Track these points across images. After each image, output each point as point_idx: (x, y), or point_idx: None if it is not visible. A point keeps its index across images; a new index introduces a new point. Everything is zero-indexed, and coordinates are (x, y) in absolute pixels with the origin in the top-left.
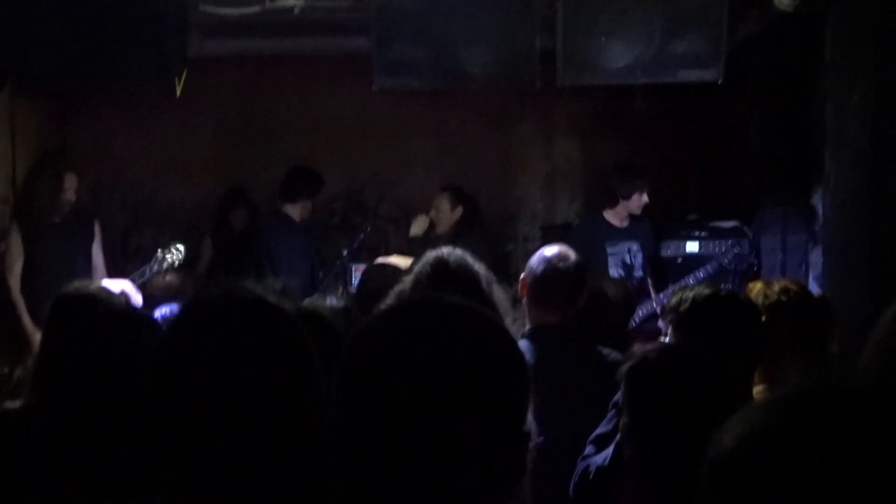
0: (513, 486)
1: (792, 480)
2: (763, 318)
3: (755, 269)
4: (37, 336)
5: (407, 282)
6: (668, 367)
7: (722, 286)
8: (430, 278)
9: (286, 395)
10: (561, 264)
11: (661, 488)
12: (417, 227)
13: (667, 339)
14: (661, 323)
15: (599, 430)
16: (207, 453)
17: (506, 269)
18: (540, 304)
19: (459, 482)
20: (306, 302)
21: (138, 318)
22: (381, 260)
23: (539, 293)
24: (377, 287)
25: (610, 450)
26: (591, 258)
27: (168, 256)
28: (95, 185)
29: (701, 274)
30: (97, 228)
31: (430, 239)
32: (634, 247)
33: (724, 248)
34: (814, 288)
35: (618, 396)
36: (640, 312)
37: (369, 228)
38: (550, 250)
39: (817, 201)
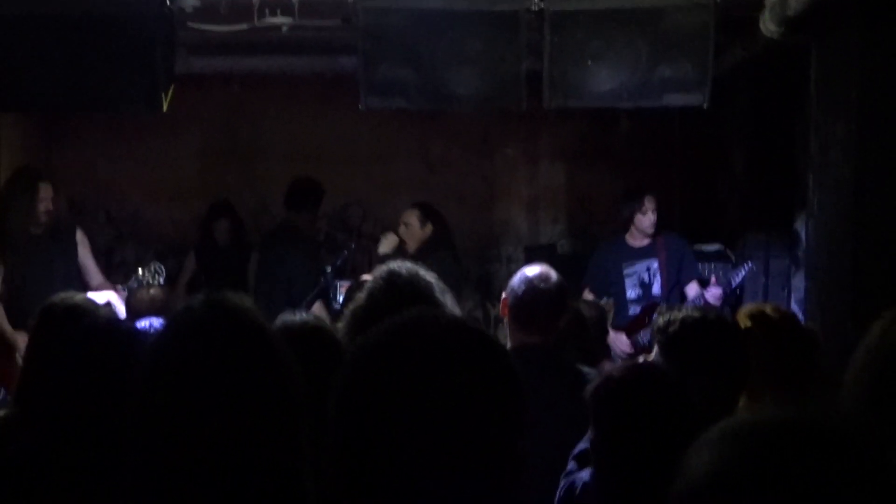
0: (508, 500)
1: None
2: (748, 343)
3: (737, 293)
4: (17, 339)
5: (360, 298)
6: (632, 387)
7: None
8: (384, 292)
9: (266, 408)
10: (542, 285)
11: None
12: (386, 245)
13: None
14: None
15: (581, 447)
16: (190, 465)
17: (488, 289)
18: (521, 324)
19: (459, 497)
20: (278, 319)
21: (123, 331)
22: (366, 277)
23: (520, 313)
24: None
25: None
26: (609, 279)
27: (148, 275)
28: (81, 202)
29: (738, 277)
30: (80, 237)
31: (401, 257)
32: (654, 265)
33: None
34: (796, 312)
35: None
36: (718, 292)
37: (353, 246)
38: (532, 270)
39: (800, 226)
